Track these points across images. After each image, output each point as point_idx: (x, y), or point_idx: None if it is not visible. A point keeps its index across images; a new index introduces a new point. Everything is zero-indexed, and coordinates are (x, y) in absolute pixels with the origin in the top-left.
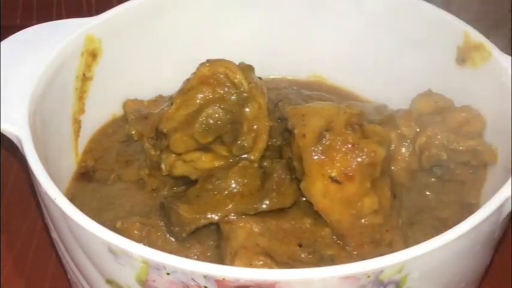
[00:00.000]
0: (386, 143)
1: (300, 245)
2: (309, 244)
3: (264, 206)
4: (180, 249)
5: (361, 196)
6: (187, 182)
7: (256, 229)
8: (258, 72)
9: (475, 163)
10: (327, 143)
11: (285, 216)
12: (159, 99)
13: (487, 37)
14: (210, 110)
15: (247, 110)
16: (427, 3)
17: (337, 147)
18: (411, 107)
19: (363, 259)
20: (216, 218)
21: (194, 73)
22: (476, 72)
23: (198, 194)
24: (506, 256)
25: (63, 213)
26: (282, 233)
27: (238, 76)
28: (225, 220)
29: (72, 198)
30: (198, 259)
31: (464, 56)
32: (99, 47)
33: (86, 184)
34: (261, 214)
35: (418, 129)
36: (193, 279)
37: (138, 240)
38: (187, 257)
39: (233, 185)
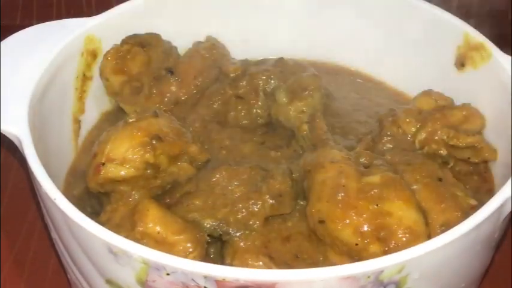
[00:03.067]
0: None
1: (297, 256)
2: (306, 258)
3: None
4: None
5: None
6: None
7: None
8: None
9: (475, 160)
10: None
11: (285, 223)
12: None
13: (487, 37)
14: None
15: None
16: (427, 3)
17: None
18: (412, 105)
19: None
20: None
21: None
22: (476, 72)
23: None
24: (506, 256)
25: (63, 213)
26: (280, 239)
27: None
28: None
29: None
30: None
31: (464, 59)
32: (99, 46)
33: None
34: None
35: (418, 126)
36: (193, 279)
37: None
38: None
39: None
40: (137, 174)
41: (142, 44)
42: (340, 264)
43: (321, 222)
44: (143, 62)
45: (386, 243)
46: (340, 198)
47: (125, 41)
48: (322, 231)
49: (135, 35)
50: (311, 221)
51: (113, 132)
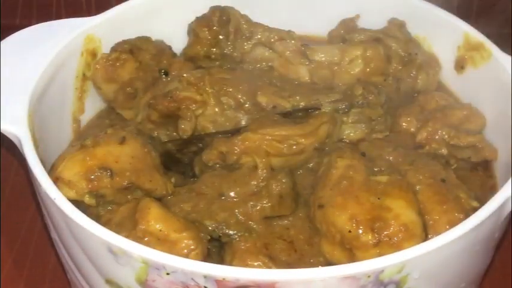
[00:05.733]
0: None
1: (297, 258)
2: (307, 260)
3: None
4: None
5: None
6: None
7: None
8: None
9: (476, 159)
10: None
11: (287, 230)
12: None
13: (487, 37)
14: None
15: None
16: (427, 3)
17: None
18: (413, 105)
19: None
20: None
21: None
22: (477, 72)
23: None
24: (506, 256)
25: (63, 213)
26: (280, 242)
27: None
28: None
29: None
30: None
31: (463, 62)
32: (99, 46)
33: None
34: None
35: (419, 125)
36: (193, 279)
37: None
38: None
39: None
40: (80, 199)
41: (132, 50)
42: (331, 255)
43: (320, 207)
44: (133, 67)
45: (379, 235)
46: (343, 187)
47: (113, 49)
48: (320, 216)
49: (123, 41)
50: (312, 208)
51: (70, 150)
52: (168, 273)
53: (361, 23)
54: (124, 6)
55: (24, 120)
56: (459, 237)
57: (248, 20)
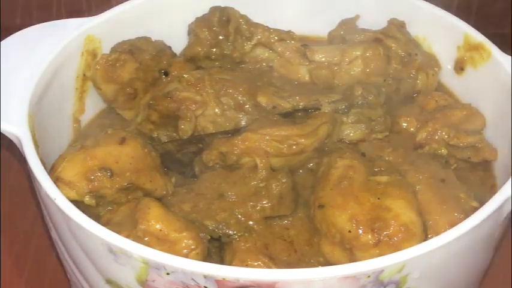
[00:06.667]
0: None
1: (298, 258)
2: (307, 261)
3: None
4: None
5: None
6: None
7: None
8: None
9: (476, 160)
10: None
11: (287, 231)
12: None
13: (487, 37)
14: None
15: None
16: (427, 3)
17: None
18: (413, 105)
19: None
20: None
21: None
22: (476, 72)
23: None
24: (506, 256)
25: (63, 213)
26: (280, 242)
27: None
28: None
29: None
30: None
31: (463, 63)
32: (99, 46)
33: None
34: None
35: (418, 125)
36: (193, 279)
37: None
38: None
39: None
40: (81, 199)
41: (132, 50)
42: (331, 255)
43: (320, 207)
44: (133, 68)
45: (379, 235)
46: (343, 187)
47: (113, 49)
48: (320, 216)
49: (123, 42)
50: (312, 208)
51: (71, 150)
52: (168, 273)
53: (361, 23)
54: (124, 7)
55: (24, 120)
56: (459, 237)
57: (248, 21)
